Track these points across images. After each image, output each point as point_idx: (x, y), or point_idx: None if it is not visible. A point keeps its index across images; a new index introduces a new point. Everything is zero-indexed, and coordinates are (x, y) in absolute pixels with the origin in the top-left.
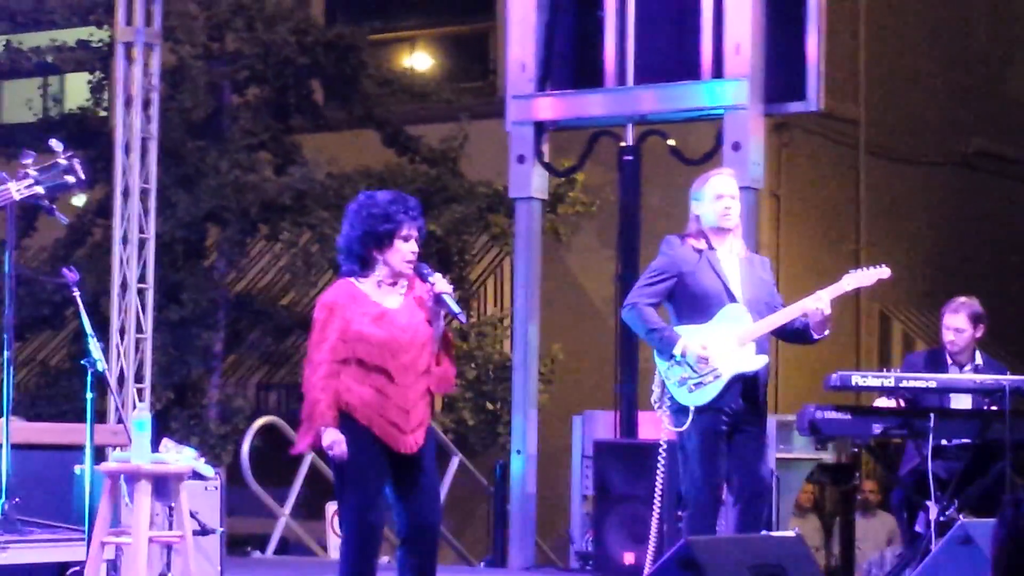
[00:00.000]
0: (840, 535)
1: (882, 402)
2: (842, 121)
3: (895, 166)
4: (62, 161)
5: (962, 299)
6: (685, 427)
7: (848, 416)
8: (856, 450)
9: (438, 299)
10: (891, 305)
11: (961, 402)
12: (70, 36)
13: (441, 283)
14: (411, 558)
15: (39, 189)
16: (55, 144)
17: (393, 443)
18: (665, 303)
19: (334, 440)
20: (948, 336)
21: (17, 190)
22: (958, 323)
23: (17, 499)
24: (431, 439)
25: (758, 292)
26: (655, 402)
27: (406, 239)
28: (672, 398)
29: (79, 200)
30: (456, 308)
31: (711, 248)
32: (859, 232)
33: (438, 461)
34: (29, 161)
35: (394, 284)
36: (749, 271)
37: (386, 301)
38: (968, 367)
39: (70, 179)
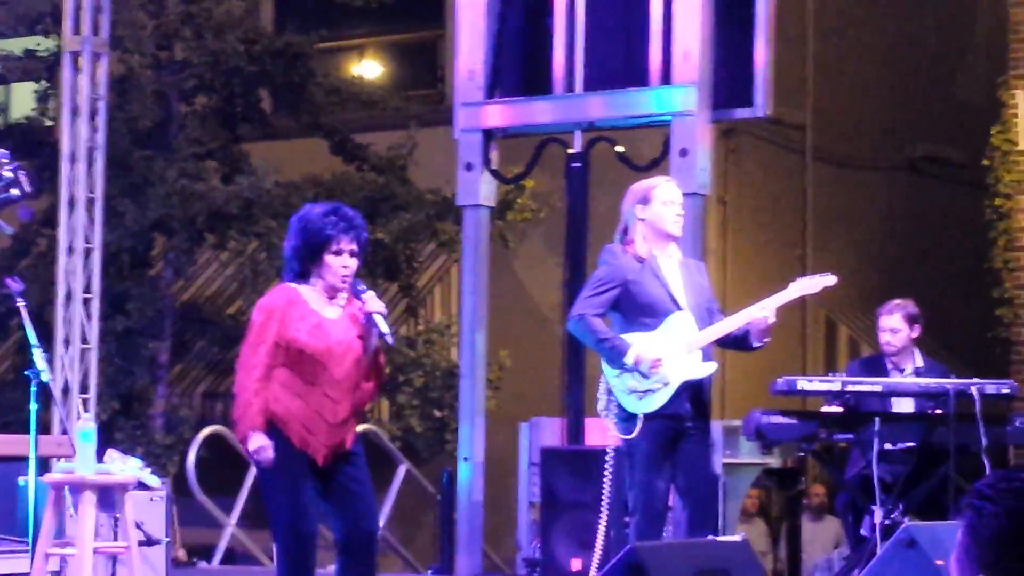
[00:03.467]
0: (787, 539)
1: (828, 408)
2: (789, 127)
3: (842, 171)
4: (7, 173)
5: (897, 301)
6: (634, 435)
7: (794, 421)
8: (802, 454)
9: (368, 318)
10: (837, 310)
11: (904, 406)
12: (16, 45)
13: (373, 302)
14: (350, 567)
15: None
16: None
17: (315, 455)
18: (610, 312)
19: (261, 445)
20: (884, 337)
21: None
22: (893, 323)
23: None
24: (361, 447)
25: (698, 298)
26: (602, 411)
27: (337, 253)
28: (620, 406)
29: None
30: (385, 329)
31: (652, 256)
32: (806, 237)
33: (385, 469)
34: None
35: (333, 296)
36: (688, 277)
37: (324, 311)
38: (909, 369)
39: (15, 192)
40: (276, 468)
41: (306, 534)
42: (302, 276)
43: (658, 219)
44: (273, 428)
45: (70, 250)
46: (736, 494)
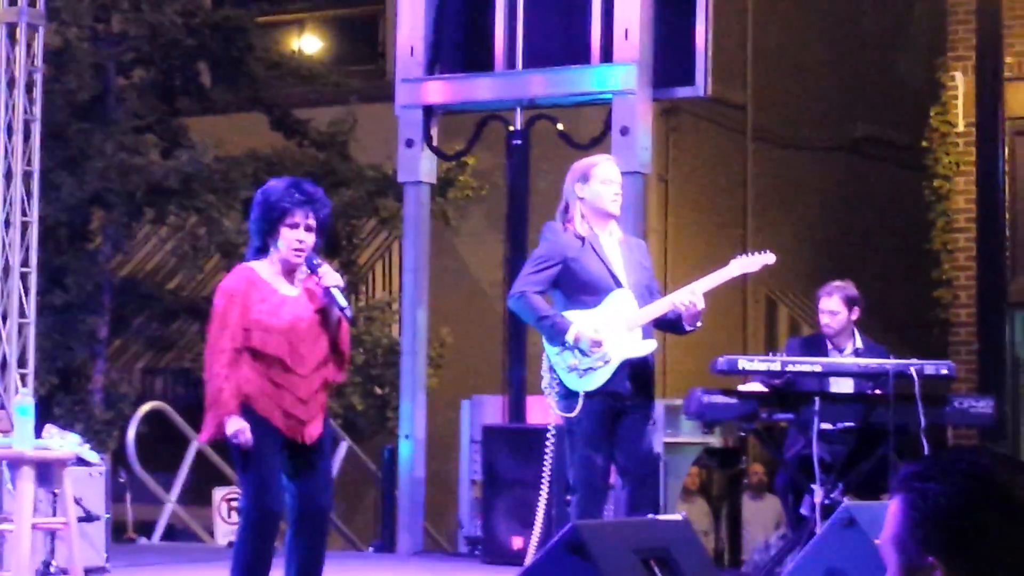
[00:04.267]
0: (727, 518)
1: (756, 387)
2: (730, 106)
3: (782, 151)
4: None
5: (836, 283)
6: (575, 413)
7: (734, 400)
8: (743, 434)
9: (326, 292)
10: (778, 290)
11: (843, 386)
12: None
13: (329, 276)
14: (301, 541)
15: None
16: None
17: (291, 433)
18: (550, 289)
19: (238, 429)
20: (824, 319)
21: None
22: (832, 306)
23: None
24: (328, 425)
25: (639, 276)
26: (544, 388)
27: (293, 227)
28: (561, 383)
29: None
30: (343, 302)
31: (593, 233)
32: (746, 217)
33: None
34: None
35: (291, 272)
36: (628, 255)
37: (284, 289)
38: (848, 350)
39: None
40: (251, 449)
41: (270, 511)
42: (262, 251)
43: (596, 198)
44: (246, 408)
45: (7, 223)
46: (677, 473)
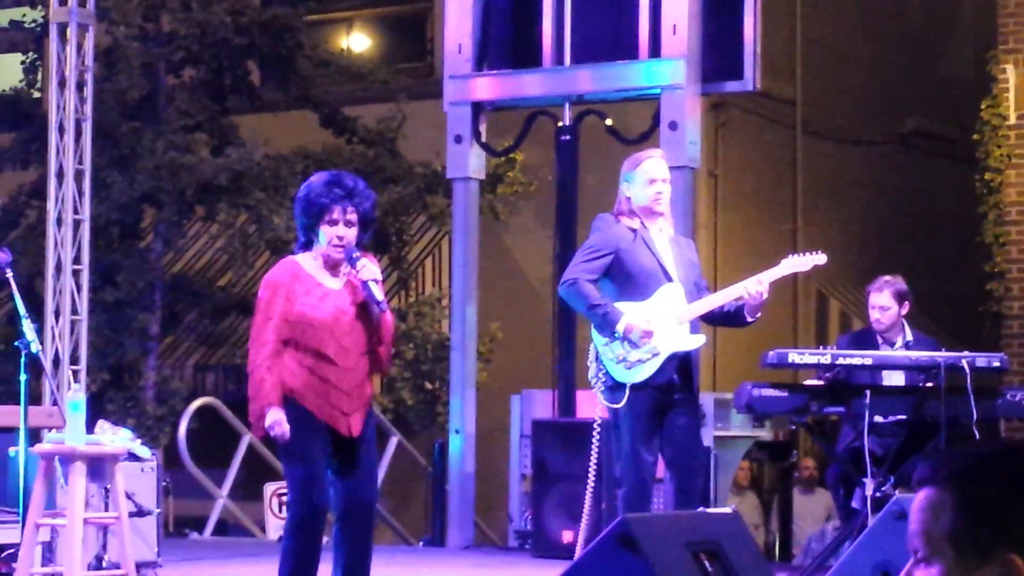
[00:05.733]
0: (778, 512)
1: (807, 380)
2: (778, 101)
3: (831, 145)
4: None
5: (886, 277)
6: (620, 404)
7: (785, 394)
8: (793, 428)
9: (363, 285)
10: (828, 284)
11: (894, 379)
12: (3, 17)
13: (366, 270)
14: (347, 536)
15: None
16: None
17: (335, 425)
18: (601, 280)
19: (275, 420)
20: (874, 315)
21: None
22: (883, 301)
23: None
24: (372, 418)
25: (687, 273)
26: (591, 379)
27: (332, 223)
28: (608, 375)
29: None
30: (378, 296)
31: (644, 227)
32: (796, 211)
33: (377, 441)
34: None
35: (335, 266)
36: (678, 252)
37: (327, 282)
38: (899, 343)
39: None
40: (292, 440)
41: (317, 506)
42: (307, 246)
43: (638, 196)
44: (290, 402)
45: (59, 222)
46: (728, 467)
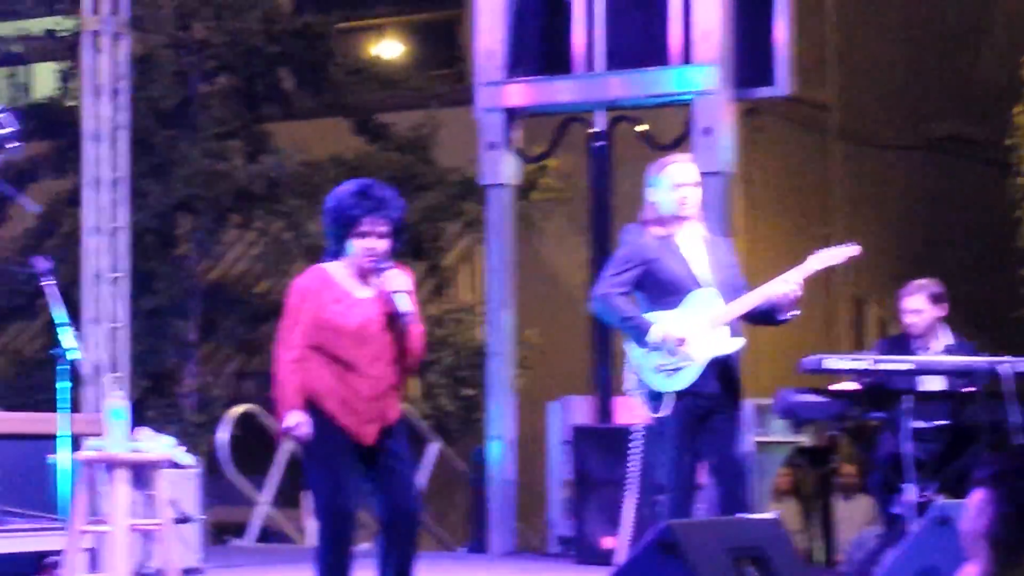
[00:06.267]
0: (819, 518)
1: (846, 386)
2: (811, 106)
3: (865, 150)
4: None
5: (919, 281)
6: (663, 413)
7: (824, 400)
8: (833, 433)
9: (389, 295)
10: (864, 290)
11: (933, 384)
12: (37, 26)
13: (393, 281)
14: (390, 545)
15: None
16: None
17: (355, 432)
18: (633, 291)
19: (297, 422)
20: (909, 319)
21: None
22: (916, 304)
23: None
24: (402, 426)
25: (724, 275)
26: (631, 389)
27: (363, 235)
28: (647, 384)
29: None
30: (404, 308)
31: (672, 234)
32: (830, 216)
33: (416, 448)
34: None
35: (365, 275)
36: (712, 254)
37: (357, 290)
38: (936, 348)
39: (5, 131)
40: (315, 445)
41: (344, 511)
42: (337, 254)
43: (664, 202)
44: (313, 406)
45: (96, 230)
46: (768, 472)
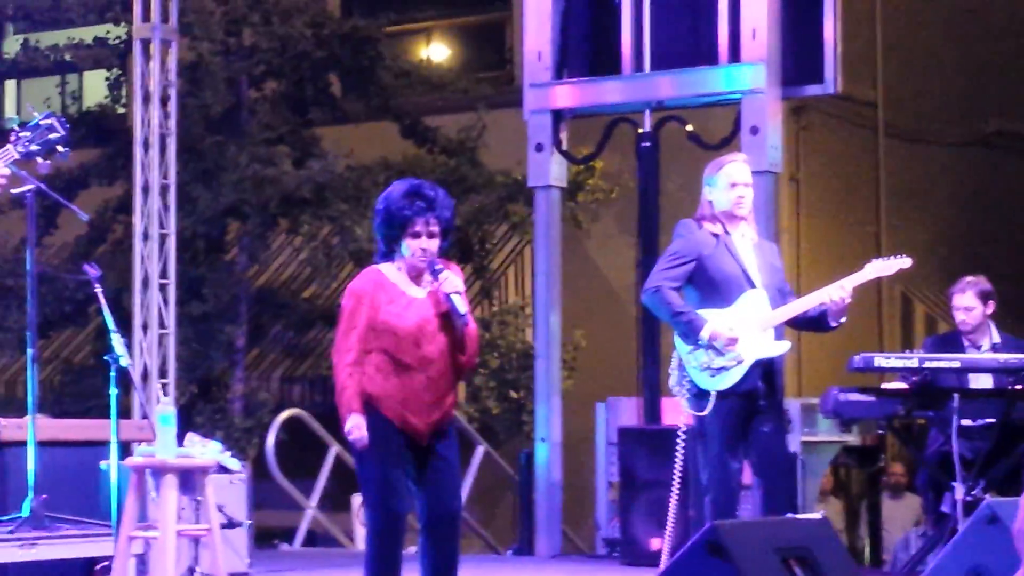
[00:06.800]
0: (867, 517)
1: (894, 384)
2: (860, 103)
3: (914, 147)
4: (43, 122)
5: (969, 278)
6: (706, 412)
7: (872, 398)
8: (881, 432)
9: (446, 298)
10: (913, 287)
11: (983, 382)
12: (87, 34)
13: (449, 282)
14: (432, 546)
15: (34, 147)
16: (31, 108)
17: (413, 434)
18: (684, 287)
19: (354, 425)
20: (959, 316)
21: (16, 149)
22: (967, 302)
23: (45, 495)
24: (453, 428)
25: (771, 278)
26: (673, 386)
27: (415, 236)
28: (692, 382)
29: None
30: (461, 309)
31: (727, 233)
32: (879, 214)
33: (463, 450)
34: (15, 127)
35: (418, 275)
36: (762, 257)
37: (411, 291)
38: (985, 346)
39: (55, 135)
40: (371, 448)
41: (395, 512)
42: (389, 255)
43: (720, 200)
44: (370, 408)
45: (145, 236)
46: (815, 472)
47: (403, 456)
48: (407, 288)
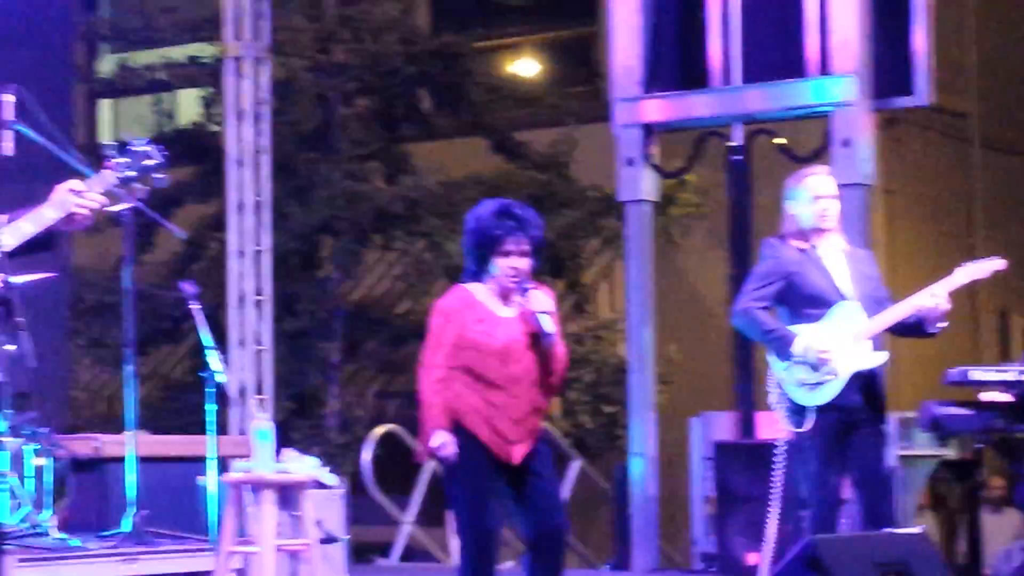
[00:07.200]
0: (966, 532)
1: (994, 397)
2: (952, 114)
3: (1008, 158)
4: (139, 148)
5: None
6: (805, 427)
7: (971, 412)
8: (979, 446)
9: (533, 316)
10: (1010, 301)
11: None
12: (180, 53)
13: (536, 301)
14: (537, 563)
15: (130, 172)
16: (127, 136)
17: (499, 452)
18: (775, 305)
19: (442, 442)
20: None
21: (114, 175)
22: None
23: (145, 511)
24: (546, 445)
25: (865, 287)
26: (773, 404)
27: (506, 255)
28: (790, 399)
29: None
30: (548, 328)
31: (813, 247)
32: (974, 227)
33: (557, 465)
34: (113, 152)
35: (507, 294)
36: (854, 267)
37: (499, 310)
38: None
39: (150, 162)
40: (459, 465)
41: (486, 529)
42: (478, 274)
43: (804, 214)
44: (458, 426)
45: (240, 253)
46: (912, 486)
47: (493, 473)
48: (495, 308)
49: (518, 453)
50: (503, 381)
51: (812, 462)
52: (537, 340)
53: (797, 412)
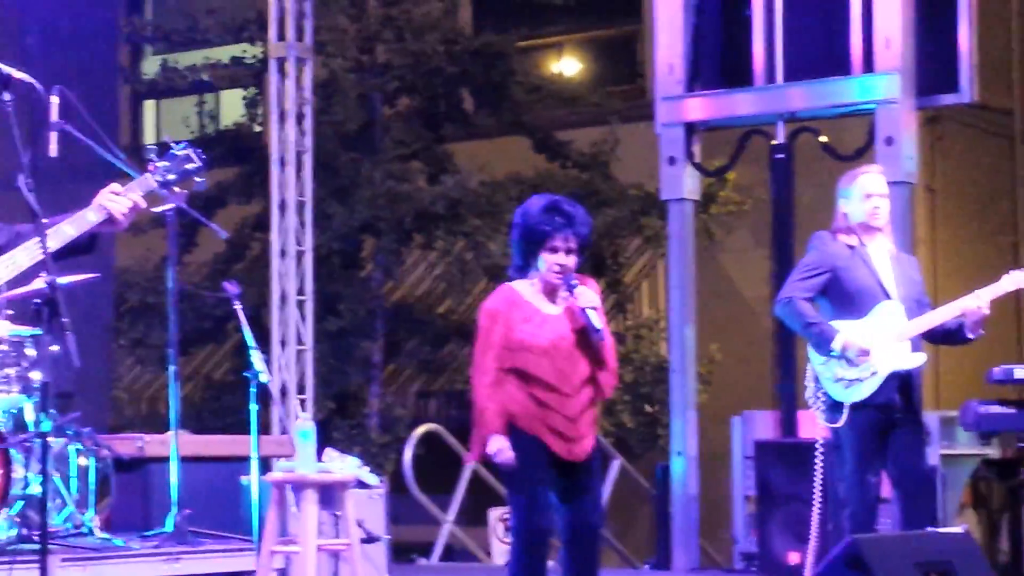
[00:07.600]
0: (1009, 531)
1: None
2: (996, 112)
3: None
4: (180, 152)
5: None
6: (840, 424)
7: (1013, 410)
8: (1022, 445)
9: (582, 313)
10: None
11: None
12: (224, 54)
13: (584, 297)
14: (573, 560)
15: (171, 176)
16: (167, 139)
17: (561, 452)
18: (818, 298)
19: (499, 448)
20: None
21: (155, 178)
22: None
23: (188, 510)
24: (597, 442)
25: (909, 290)
26: (809, 399)
27: (553, 251)
28: (827, 394)
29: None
30: (597, 324)
31: (862, 244)
32: (1017, 224)
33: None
34: (153, 155)
35: (553, 291)
36: (899, 269)
37: (545, 308)
38: None
39: (191, 165)
40: (516, 467)
41: (539, 529)
42: (523, 270)
43: (856, 212)
44: (512, 428)
45: (282, 253)
46: (954, 485)
47: (547, 472)
48: (541, 305)
49: (581, 450)
50: (553, 379)
51: (849, 460)
52: (585, 336)
53: (833, 409)
